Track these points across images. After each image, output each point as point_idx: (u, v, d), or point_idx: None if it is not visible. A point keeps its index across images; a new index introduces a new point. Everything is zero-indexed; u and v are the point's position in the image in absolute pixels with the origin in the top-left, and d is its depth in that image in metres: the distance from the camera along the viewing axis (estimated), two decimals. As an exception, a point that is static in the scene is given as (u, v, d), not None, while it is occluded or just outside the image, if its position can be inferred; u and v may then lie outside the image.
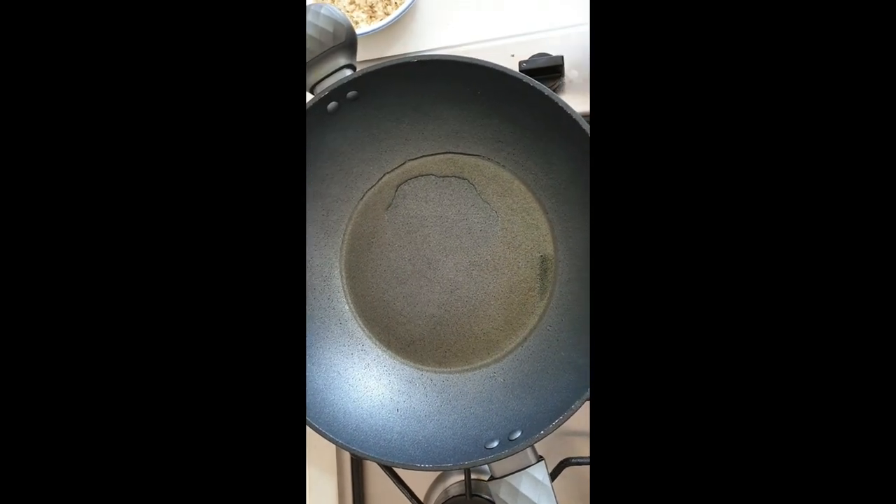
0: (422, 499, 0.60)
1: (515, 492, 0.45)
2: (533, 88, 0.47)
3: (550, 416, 0.45)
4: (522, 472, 0.46)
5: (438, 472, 0.61)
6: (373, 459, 0.47)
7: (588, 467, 0.59)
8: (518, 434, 0.47)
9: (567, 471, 0.56)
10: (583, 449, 0.61)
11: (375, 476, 0.64)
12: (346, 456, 0.63)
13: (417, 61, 0.48)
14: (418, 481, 0.60)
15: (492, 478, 0.47)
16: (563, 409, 0.45)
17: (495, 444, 0.47)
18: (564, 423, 0.62)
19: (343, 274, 0.58)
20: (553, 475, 0.55)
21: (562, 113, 0.46)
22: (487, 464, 0.46)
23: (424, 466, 0.46)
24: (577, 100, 0.60)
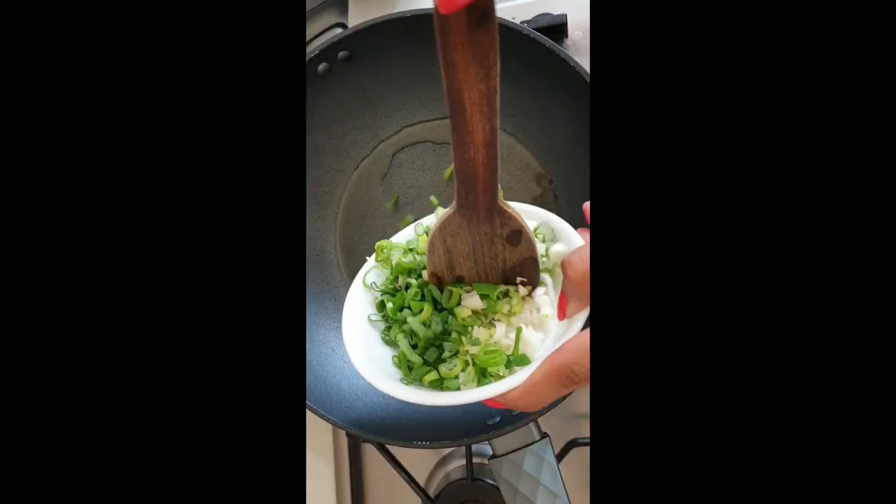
0: (422, 484, 0.57)
1: (518, 470, 0.43)
2: (535, 42, 0.44)
3: (555, 390, 0.42)
4: (525, 449, 0.43)
5: (439, 457, 0.58)
6: (367, 439, 0.44)
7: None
8: (521, 409, 0.44)
9: (574, 452, 0.53)
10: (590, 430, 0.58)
11: (374, 461, 0.61)
12: (343, 440, 0.60)
13: (412, 16, 0.46)
14: (418, 466, 0.57)
15: (493, 456, 0.44)
16: (569, 382, 0.42)
17: (497, 419, 0.44)
18: (571, 404, 0.59)
19: (337, 248, 0.55)
20: (559, 457, 0.52)
21: (565, 66, 0.44)
22: (488, 440, 0.43)
23: (421, 444, 0.43)
24: (582, 62, 0.57)
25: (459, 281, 0.36)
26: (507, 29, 0.44)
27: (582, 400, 0.59)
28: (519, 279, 0.35)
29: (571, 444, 0.53)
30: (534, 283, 0.36)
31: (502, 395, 0.32)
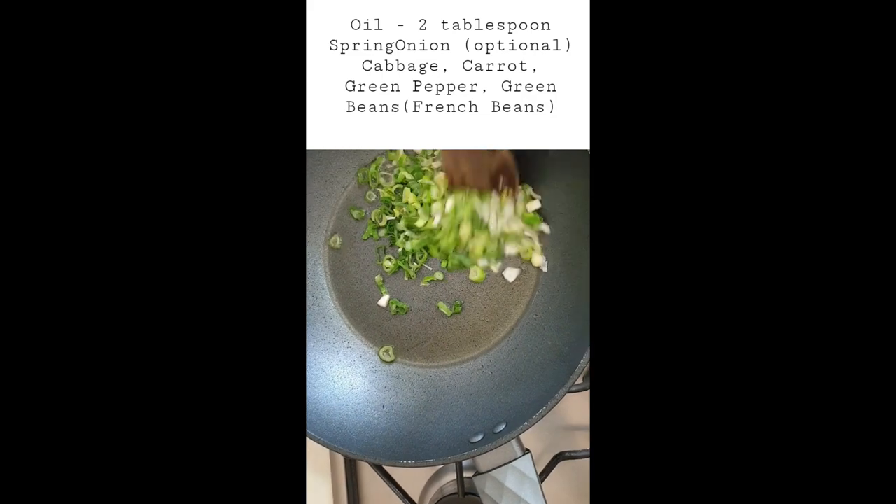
0: (416, 499, 0.58)
1: (500, 486, 0.44)
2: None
3: (535, 407, 0.43)
4: (508, 465, 0.44)
5: (433, 472, 0.60)
6: (354, 457, 0.46)
7: (583, 461, 0.57)
8: (502, 426, 0.45)
9: (562, 466, 0.54)
10: (578, 443, 0.59)
11: (370, 478, 0.63)
12: (340, 458, 0.62)
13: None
14: (412, 481, 0.58)
15: (477, 473, 0.45)
16: (547, 399, 0.43)
17: (480, 437, 0.45)
18: (559, 418, 0.60)
19: (327, 271, 0.57)
20: (547, 470, 0.53)
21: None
22: (471, 458, 0.44)
23: (406, 463, 0.45)
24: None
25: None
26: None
27: (569, 413, 0.60)
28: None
29: (559, 458, 0.54)
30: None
31: None
